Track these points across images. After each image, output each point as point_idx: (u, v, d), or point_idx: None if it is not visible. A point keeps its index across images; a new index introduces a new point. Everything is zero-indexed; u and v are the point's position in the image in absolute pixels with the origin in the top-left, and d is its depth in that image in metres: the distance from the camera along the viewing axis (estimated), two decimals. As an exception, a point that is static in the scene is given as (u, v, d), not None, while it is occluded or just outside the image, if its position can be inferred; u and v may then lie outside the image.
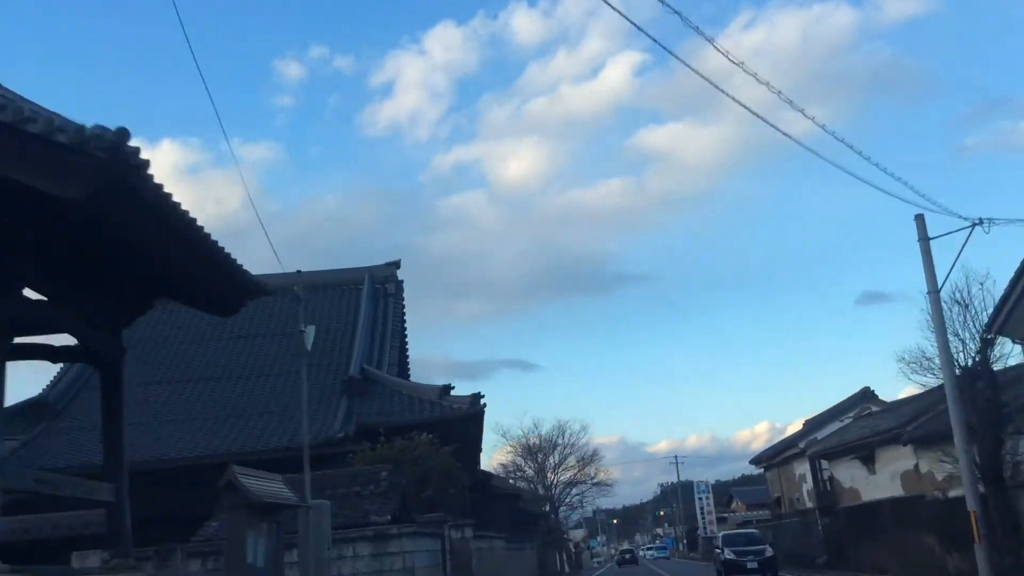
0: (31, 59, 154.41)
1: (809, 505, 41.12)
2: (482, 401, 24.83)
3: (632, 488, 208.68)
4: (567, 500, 63.87)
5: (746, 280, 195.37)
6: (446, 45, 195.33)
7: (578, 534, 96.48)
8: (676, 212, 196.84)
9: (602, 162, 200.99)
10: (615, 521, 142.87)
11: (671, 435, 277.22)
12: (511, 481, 58.79)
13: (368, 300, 32.39)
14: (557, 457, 59.96)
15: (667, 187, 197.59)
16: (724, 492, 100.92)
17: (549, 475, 59.86)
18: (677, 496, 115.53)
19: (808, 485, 41.27)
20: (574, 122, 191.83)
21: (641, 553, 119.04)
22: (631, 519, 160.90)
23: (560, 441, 60.44)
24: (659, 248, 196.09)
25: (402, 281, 34.62)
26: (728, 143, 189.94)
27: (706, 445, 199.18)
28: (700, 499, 76.78)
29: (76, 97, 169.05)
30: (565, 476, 60.46)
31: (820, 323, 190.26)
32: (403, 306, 33.78)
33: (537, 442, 59.30)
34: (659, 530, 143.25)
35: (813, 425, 42.62)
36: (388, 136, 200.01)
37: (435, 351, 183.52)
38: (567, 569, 59.52)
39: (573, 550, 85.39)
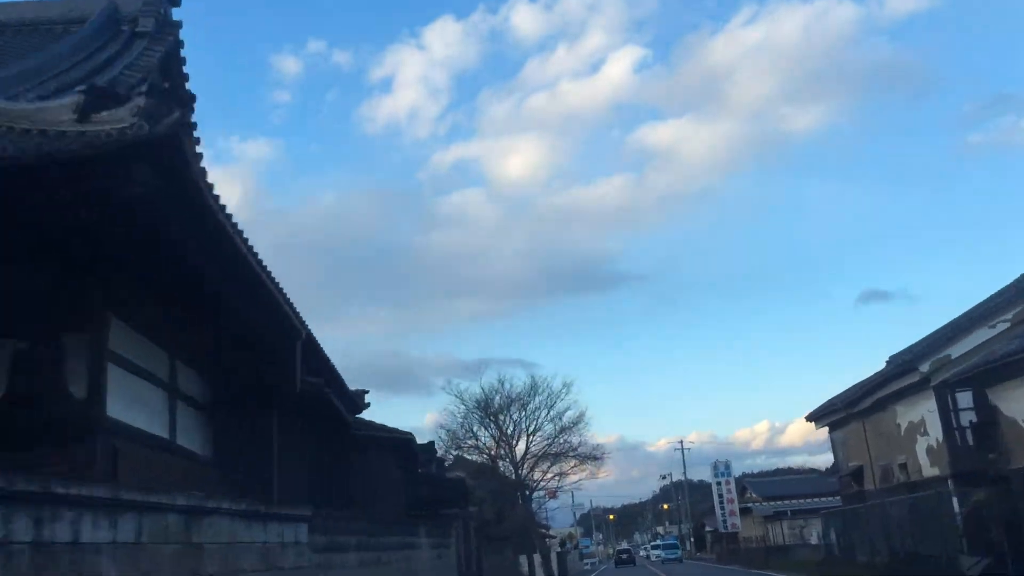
0: None
1: (934, 472, 24.25)
2: (176, 115, 7.61)
3: (631, 487, 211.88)
4: (543, 483, 46.67)
5: (746, 279, 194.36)
6: (446, 40, 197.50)
7: (563, 531, 79.30)
8: (676, 210, 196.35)
9: (602, 159, 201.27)
10: (611, 516, 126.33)
11: (670, 434, 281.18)
12: (460, 454, 41.89)
13: (86, 41, 15.62)
14: (527, 421, 43.14)
15: (667, 184, 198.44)
16: None
17: (517, 445, 42.95)
18: (683, 489, 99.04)
19: (931, 438, 24.34)
20: (574, 118, 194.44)
21: (643, 553, 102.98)
22: (630, 517, 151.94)
23: (532, 401, 43.57)
24: (659, 246, 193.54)
25: (179, 22, 17.65)
26: (729, 140, 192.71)
27: (706, 444, 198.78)
28: (719, 484, 59.66)
29: None
30: (539, 446, 43.53)
31: (821, 322, 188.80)
32: (170, 47, 16.92)
33: (500, 400, 42.41)
34: (659, 528, 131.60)
35: (920, 351, 25.41)
36: (387, 133, 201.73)
37: (435, 350, 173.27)
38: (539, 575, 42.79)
39: (558, 549, 68.46)
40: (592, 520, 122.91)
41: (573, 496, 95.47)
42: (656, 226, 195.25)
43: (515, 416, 43.08)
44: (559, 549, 69.71)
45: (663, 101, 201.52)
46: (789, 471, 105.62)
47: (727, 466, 60.65)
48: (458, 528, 21.25)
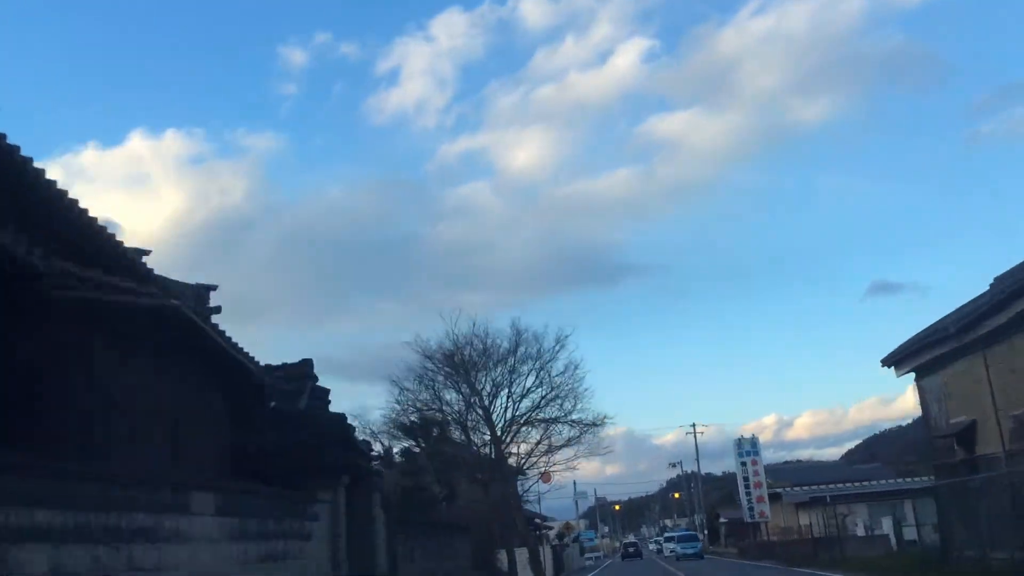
0: (34, 49, 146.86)
1: None
2: None
3: (638, 480, 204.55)
4: (533, 463, 36.95)
5: (754, 271, 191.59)
6: (453, 31, 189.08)
7: (562, 523, 69.91)
8: (684, 202, 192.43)
9: (610, 151, 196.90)
10: (616, 507, 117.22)
11: (677, 427, 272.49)
12: (415, 419, 32.43)
13: None
14: (508, 379, 33.57)
15: (675, 176, 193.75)
16: (729, 486, 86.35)
17: (495, 409, 33.43)
18: (696, 476, 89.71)
19: None
20: (582, 110, 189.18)
21: (653, 547, 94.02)
22: (637, 510, 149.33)
23: (515, 359, 34.05)
24: (666, 239, 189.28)
25: None
26: (737, 131, 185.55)
27: (713, 438, 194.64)
28: (743, 465, 50.10)
29: (81, 87, 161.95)
30: (524, 412, 33.94)
31: (829, 314, 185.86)
32: None
33: (473, 353, 32.89)
34: (667, 521, 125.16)
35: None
36: (394, 125, 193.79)
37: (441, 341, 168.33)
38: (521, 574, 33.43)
39: (555, 542, 59.24)
40: (597, 512, 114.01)
41: (575, 486, 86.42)
42: (663, 218, 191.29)
43: (494, 373, 33.62)
44: (555, 542, 60.57)
45: (671, 92, 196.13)
46: (799, 463, 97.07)
47: (753, 443, 51.02)
48: (338, 504, 11.88)
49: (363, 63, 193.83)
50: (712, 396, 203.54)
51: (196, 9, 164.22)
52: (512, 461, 35.68)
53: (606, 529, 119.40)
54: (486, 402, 32.59)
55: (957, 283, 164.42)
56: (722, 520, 79.94)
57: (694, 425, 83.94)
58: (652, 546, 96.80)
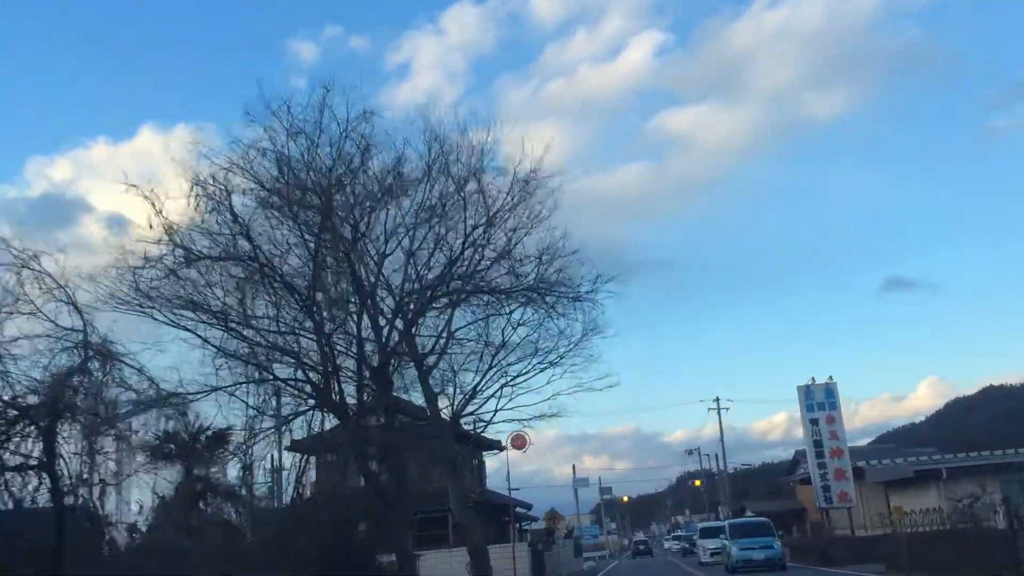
0: (45, 44, 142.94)
1: None
2: None
3: (646, 477, 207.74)
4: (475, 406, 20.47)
5: (765, 268, 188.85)
6: (463, 25, 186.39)
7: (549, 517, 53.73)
8: (695, 197, 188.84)
9: (620, 146, 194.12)
10: (625, 499, 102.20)
11: (686, 425, 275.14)
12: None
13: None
14: (421, 202, 17.39)
15: (687, 172, 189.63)
16: (742, 483, 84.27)
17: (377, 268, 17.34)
18: (722, 460, 73.54)
19: None
20: (592, 105, 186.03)
21: (672, 546, 78.29)
22: (647, 508, 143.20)
23: (428, 186, 17.78)
24: (676, 235, 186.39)
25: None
26: (750, 126, 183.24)
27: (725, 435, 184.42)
28: (813, 425, 33.62)
29: (91, 82, 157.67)
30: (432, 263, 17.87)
31: (841, 310, 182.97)
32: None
33: (330, 159, 16.63)
34: (679, 518, 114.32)
35: None
36: (403, 119, 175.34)
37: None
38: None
39: (545, 539, 43.43)
40: (602, 506, 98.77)
41: (575, 470, 72.45)
42: (673, 213, 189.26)
43: (384, 213, 17.40)
44: (546, 538, 44.79)
45: (683, 87, 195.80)
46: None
47: (829, 393, 34.32)
48: None
49: (373, 57, 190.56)
50: (721, 394, 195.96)
51: (205, 3, 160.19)
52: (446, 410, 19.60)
53: (613, 526, 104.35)
54: (355, 245, 16.25)
55: (969, 281, 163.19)
56: (748, 514, 64.76)
57: (718, 400, 67.53)
58: (669, 544, 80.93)
